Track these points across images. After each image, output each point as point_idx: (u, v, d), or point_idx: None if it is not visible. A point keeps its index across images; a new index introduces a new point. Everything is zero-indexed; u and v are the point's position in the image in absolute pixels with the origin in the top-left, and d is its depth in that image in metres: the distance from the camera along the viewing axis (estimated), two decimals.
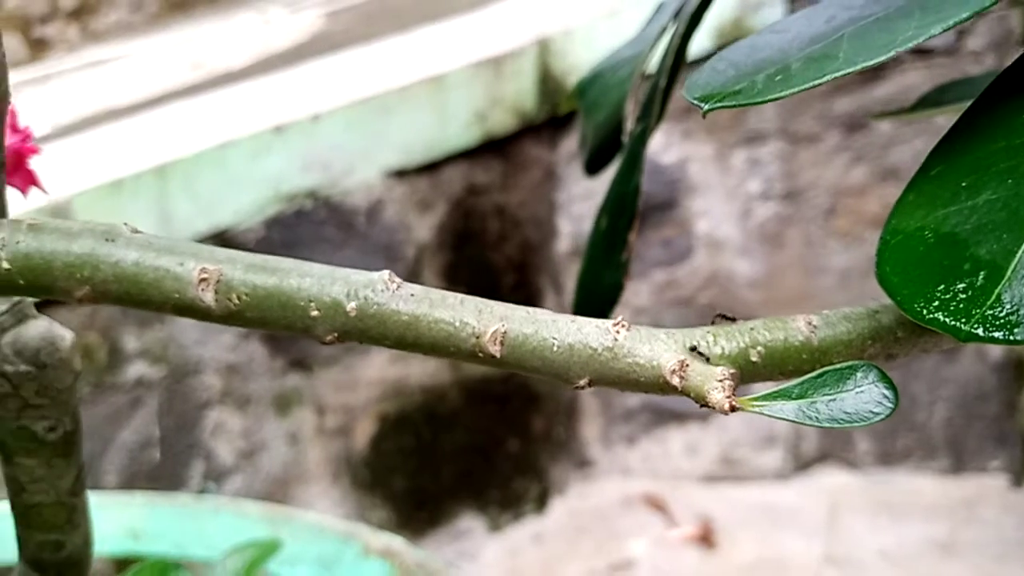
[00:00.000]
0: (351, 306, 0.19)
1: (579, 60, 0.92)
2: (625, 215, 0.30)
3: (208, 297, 0.18)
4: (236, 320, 0.19)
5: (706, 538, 0.94)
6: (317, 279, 0.20)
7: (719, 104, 0.17)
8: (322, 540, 0.58)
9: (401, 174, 0.87)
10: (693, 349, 0.20)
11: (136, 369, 0.77)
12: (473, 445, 0.94)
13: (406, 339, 0.20)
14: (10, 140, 0.35)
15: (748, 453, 1.01)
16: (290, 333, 0.19)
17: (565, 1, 0.99)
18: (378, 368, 0.88)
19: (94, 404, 0.76)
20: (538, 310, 0.20)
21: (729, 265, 0.99)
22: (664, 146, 0.91)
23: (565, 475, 0.99)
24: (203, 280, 0.18)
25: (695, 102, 0.17)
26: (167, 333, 0.78)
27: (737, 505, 0.98)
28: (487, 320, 0.19)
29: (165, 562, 0.33)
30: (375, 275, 0.20)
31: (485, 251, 0.93)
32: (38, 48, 1.81)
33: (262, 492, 0.85)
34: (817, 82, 0.17)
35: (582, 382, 0.20)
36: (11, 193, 0.37)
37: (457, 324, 0.19)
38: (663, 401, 1.00)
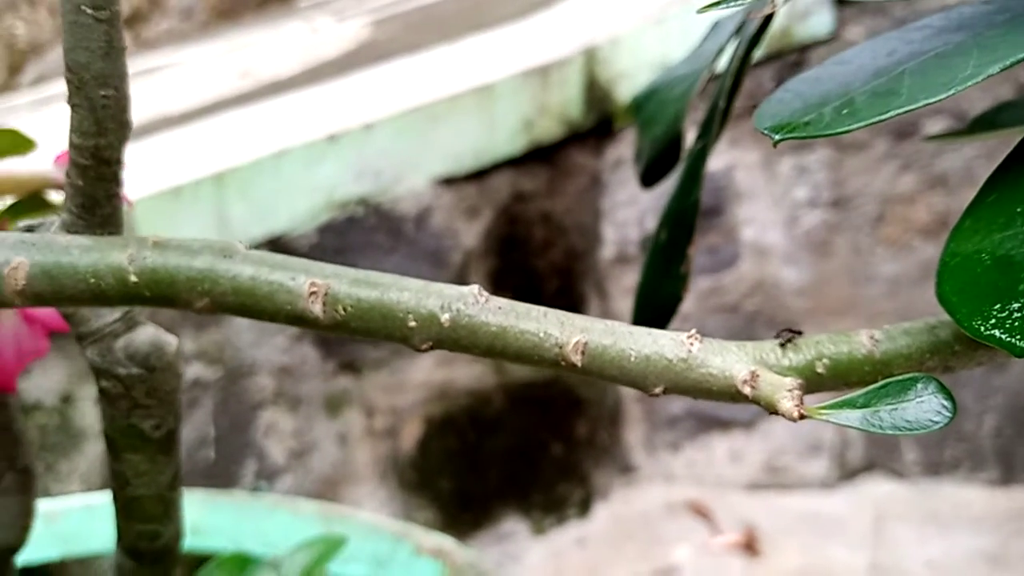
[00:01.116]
0: (445, 317, 0.21)
1: (625, 68, 0.93)
2: (684, 229, 0.31)
3: (317, 308, 0.20)
4: (341, 329, 0.20)
5: (750, 546, 0.94)
6: (414, 293, 0.21)
7: (790, 135, 0.18)
8: (375, 539, 0.59)
9: (449, 181, 0.89)
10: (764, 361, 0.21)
11: (193, 370, 0.80)
12: (517, 448, 0.95)
13: (494, 348, 0.21)
14: None
15: (793, 461, 1.01)
16: (389, 341, 0.21)
17: (611, 9, 1.00)
18: (425, 371, 0.90)
19: None
20: (616, 323, 0.21)
21: (775, 272, 0.99)
22: (711, 153, 0.91)
23: (608, 480, 1.00)
24: (312, 293, 0.20)
25: (767, 132, 0.18)
26: (223, 336, 0.81)
27: (782, 513, 0.97)
28: (569, 331, 0.20)
29: (243, 557, 0.34)
30: (466, 289, 0.21)
31: (530, 257, 0.95)
32: None
33: (312, 492, 0.87)
34: (882, 118, 0.18)
35: (658, 390, 0.21)
36: None
37: (542, 335, 0.21)
38: (707, 408, 1.00)
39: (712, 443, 1.01)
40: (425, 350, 0.21)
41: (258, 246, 0.84)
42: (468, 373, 0.92)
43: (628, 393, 1.01)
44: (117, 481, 0.26)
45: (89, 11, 0.19)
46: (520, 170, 0.92)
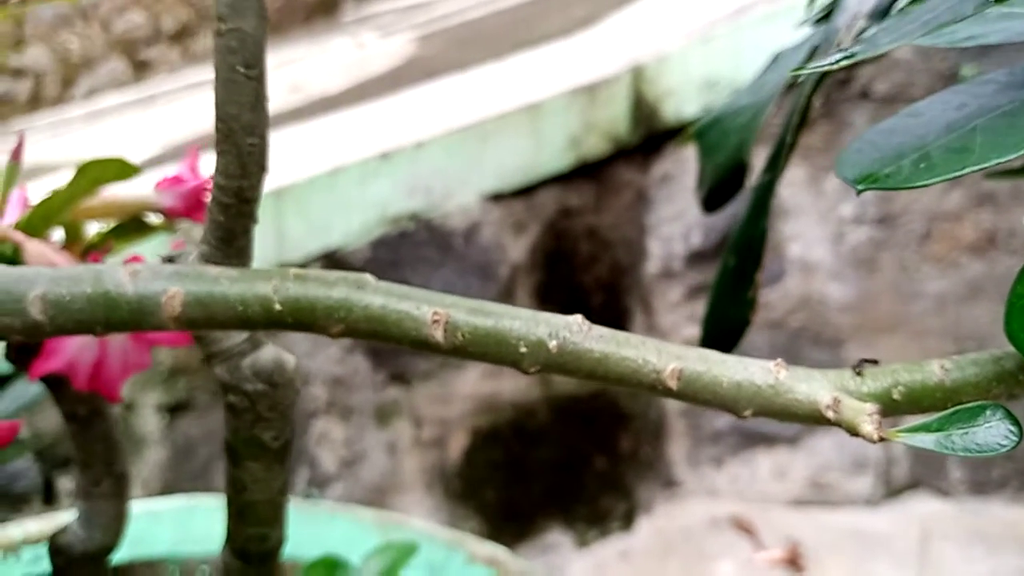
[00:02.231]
0: (552, 344, 0.23)
1: (672, 86, 0.94)
2: (752, 256, 0.33)
3: (439, 334, 0.22)
4: (459, 353, 0.23)
5: (794, 562, 0.94)
6: (524, 321, 0.23)
7: (872, 186, 0.20)
8: (430, 547, 0.61)
9: (497, 197, 0.91)
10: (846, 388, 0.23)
11: None
12: (561, 461, 0.97)
13: (596, 372, 0.23)
14: (193, 183, 0.40)
15: (838, 478, 1.01)
16: (501, 365, 0.23)
17: (658, 28, 1.02)
18: (472, 384, 0.92)
19: (211, 411, 0.82)
20: (708, 351, 0.23)
21: (821, 289, 0.99)
22: (757, 169, 0.92)
23: (652, 494, 1.00)
24: (435, 321, 0.22)
25: (850, 182, 0.20)
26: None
27: (826, 530, 0.97)
28: (666, 359, 0.22)
29: (333, 560, 0.36)
30: (571, 318, 0.23)
31: (576, 272, 0.96)
32: (142, 69, 1.93)
33: (361, 499, 0.89)
34: (957, 174, 0.19)
35: (747, 413, 0.23)
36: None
37: (641, 361, 0.23)
38: (751, 424, 1.00)
39: (756, 458, 1.01)
40: (533, 373, 0.23)
41: (313, 261, 0.87)
42: (514, 386, 0.93)
43: (671, 408, 1.02)
44: (234, 487, 0.28)
45: (242, 70, 0.22)
46: (567, 186, 0.94)
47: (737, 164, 0.40)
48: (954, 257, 0.99)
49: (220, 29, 0.22)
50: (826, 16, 0.35)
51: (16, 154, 0.40)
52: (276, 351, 0.26)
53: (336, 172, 0.85)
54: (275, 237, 0.82)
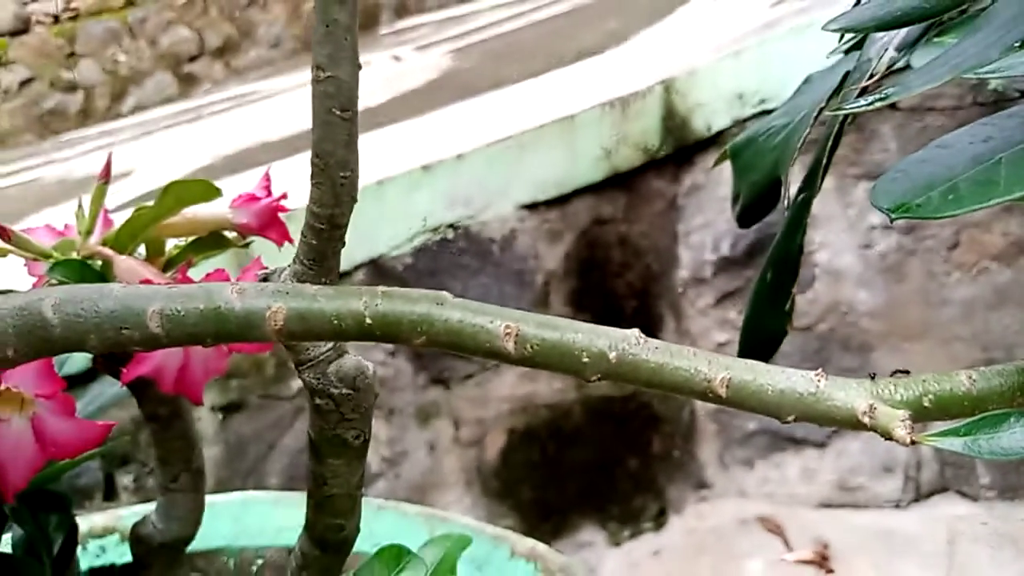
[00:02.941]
0: (612, 355, 0.25)
1: (703, 99, 0.97)
2: (789, 270, 0.35)
3: (510, 346, 0.25)
4: (527, 363, 0.25)
5: (823, 562, 0.95)
6: (587, 334, 0.26)
7: (905, 215, 0.22)
8: (474, 541, 0.64)
9: (533, 207, 0.94)
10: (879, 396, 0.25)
11: (299, 382, 0.86)
12: (595, 461, 0.99)
13: (652, 381, 0.26)
14: (265, 201, 0.43)
15: (866, 480, 1.02)
16: (564, 373, 0.25)
17: (689, 43, 1.04)
18: (509, 386, 0.95)
19: (262, 412, 0.85)
20: (754, 362, 0.25)
21: (849, 295, 1.00)
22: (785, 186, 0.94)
23: (683, 495, 1.02)
24: (507, 334, 0.24)
25: (885, 211, 0.22)
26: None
27: (854, 531, 0.98)
28: (716, 369, 0.25)
29: (400, 548, 0.39)
30: (629, 332, 0.26)
31: (608, 279, 0.99)
32: (187, 83, 2.00)
33: (403, 497, 0.92)
34: (983, 206, 0.21)
35: (790, 418, 0.26)
36: (264, 244, 0.45)
37: (693, 371, 0.25)
38: (781, 427, 1.02)
39: (785, 461, 1.02)
40: (594, 381, 0.26)
41: (359, 267, 0.90)
42: (549, 389, 0.96)
43: (702, 410, 1.04)
44: (315, 481, 0.31)
45: (337, 113, 0.25)
46: (599, 196, 0.96)
47: (772, 182, 0.42)
48: (982, 264, 0.99)
49: (319, 76, 0.25)
50: (857, 45, 0.37)
51: (104, 174, 0.43)
52: (357, 359, 0.29)
53: (382, 184, 0.88)
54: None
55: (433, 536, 0.60)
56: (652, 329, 1.01)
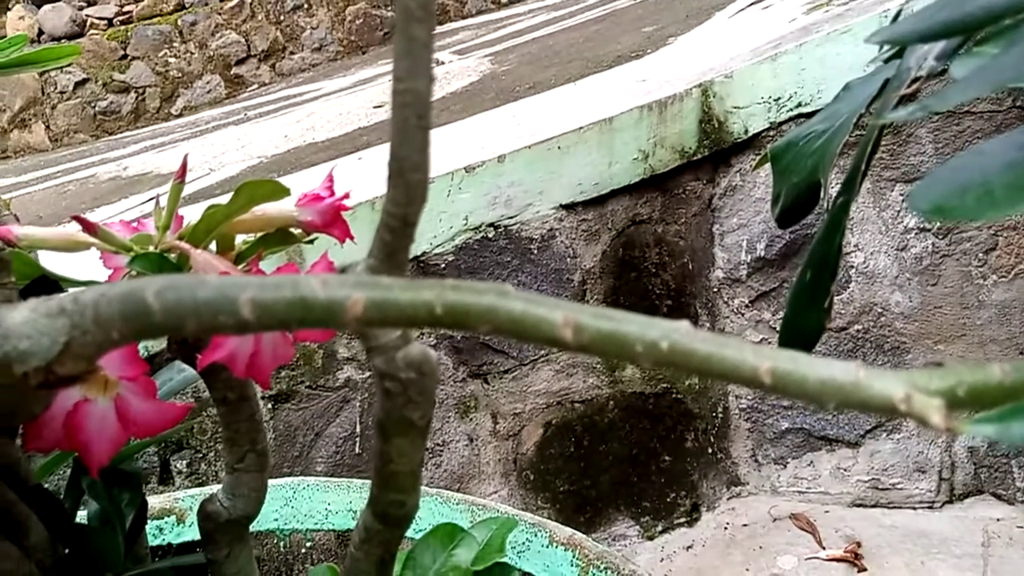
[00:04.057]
0: (664, 344, 0.27)
1: (740, 102, 0.98)
2: (827, 270, 0.37)
3: (568, 334, 0.27)
4: (585, 350, 0.27)
5: (856, 561, 0.96)
6: (640, 325, 0.28)
7: (941, 218, 0.24)
8: (515, 528, 0.66)
9: (571, 207, 0.96)
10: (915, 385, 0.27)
11: (345, 373, 0.89)
12: (629, 456, 1.00)
13: (702, 368, 0.27)
14: (329, 200, 0.46)
15: (899, 480, 1.02)
16: (620, 360, 0.28)
17: (726, 47, 1.05)
18: (545, 381, 0.97)
19: (310, 401, 0.88)
20: (797, 352, 0.27)
21: (884, 297, 1.01)
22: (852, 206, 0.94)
23: (716, 491, 1.04)
24: (566, 324, 0.27)
25: (923, 214, 0.24)
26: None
27: (887, 530, 0.99)
28: (761, 358, 0.27)
29: (453, 526, 0.41)
30: (680, 323, 0.28)
31: (644, 278, 1.00)
32: (234, 85, 2.05)
33: (442, 486, 0.95)
34: (1017, 210, 0.23)
35: (831, 406, 0.28)
36: (327, 241, 0.48)
37: (740, 359, 0.27)
38: (814, 425, 1.03)
39: (818, 459, 1.03)
40: (648, 367, 0.28)
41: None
42: (584, 384, 0.98)
43: (735, 408, 1.05)
44: (381, 459, 0.34)
45: (413, 121, 0.27)
46: (636, 197, 0.98)
47: (811, 185, 0.44)
48: (1020, 268, 0.99)
49: (398, 87, 0.27)
50: (898, 53, 0.39)
51: (180, 174, 0.46)
52: (422, 346, 0.31)
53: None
54: (371, 243, 0.88)
55: (475, 521, 0.62)
56: None
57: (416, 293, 0.29)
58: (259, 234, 0.46)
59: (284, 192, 0.43)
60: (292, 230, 0.46)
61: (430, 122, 0.29)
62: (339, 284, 0.29)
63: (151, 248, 0.44)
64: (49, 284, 0.43)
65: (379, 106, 1.28)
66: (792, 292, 0.39)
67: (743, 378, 0.28)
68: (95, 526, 0.48)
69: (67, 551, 0.42)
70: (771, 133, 0.97)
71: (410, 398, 0.31)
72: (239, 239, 0.47)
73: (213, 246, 0.46)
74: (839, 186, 0.38)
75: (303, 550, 0.70)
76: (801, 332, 0.38)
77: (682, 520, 1.03)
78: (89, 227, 0.43)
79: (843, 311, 1.01)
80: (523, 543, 0.66)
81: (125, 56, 1.83)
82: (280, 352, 0.43)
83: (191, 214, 0.47)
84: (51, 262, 0.46)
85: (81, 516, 0.49)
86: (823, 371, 0.28)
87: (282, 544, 0.71)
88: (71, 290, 0.43)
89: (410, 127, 0.28)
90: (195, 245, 0.44)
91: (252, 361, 0.41)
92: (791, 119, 0.96)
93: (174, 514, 0.66)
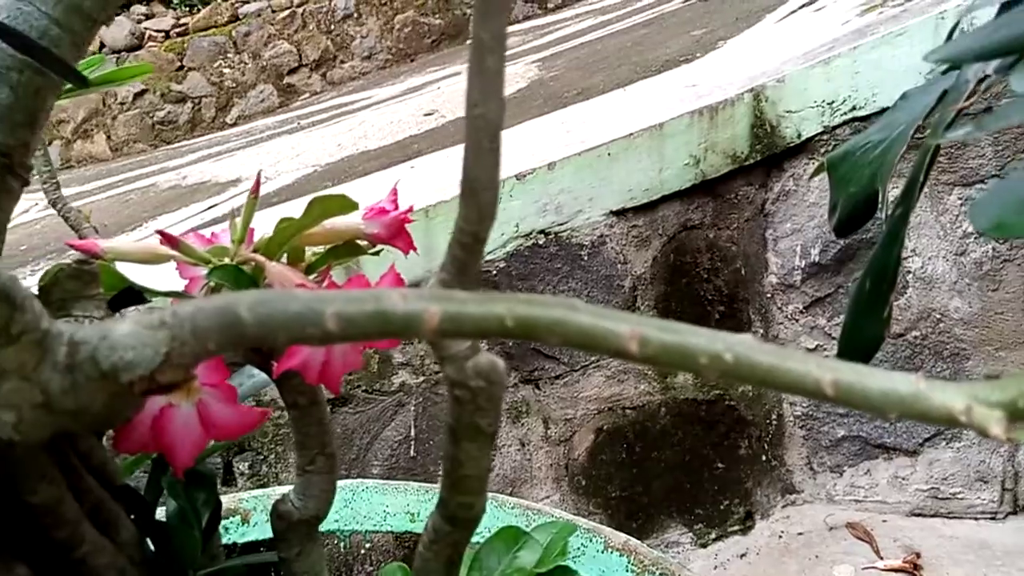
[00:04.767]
0: (728, 356, 0.28)
1: (792, 106, 0.97)
2: (887, 280, 0.37)
3: (634, 347, 0.28)
4: (651, 362, 0.29)
5: (914, 571, 0.94)
6: (705, 337, 0.29)
7: (1001, 234, 0.24)
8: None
9: (621, 213, 0.96)
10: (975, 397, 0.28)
11: (400, 377, 0.91)
12: (681, 463, 1.00)
13: (766, 380, 0.28)
14: (393, 214, 0.48)
15: (959, 490, 1.00)
16: (685, 371, 0.29)
17: (778, 50, 1.04)
18: (596, 387, 0.97)
19: (366, 405, 0.91)
20: (860, 365, 0.28)
21: (943, 302, 0.99)
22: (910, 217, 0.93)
23: (770, 499, 1.03)
24: (632, 337, 0.28)
25: (984, 231, 0.24)
26: (425, 349, 0.92)
27: (947, 541, 0.97)
28: (824, 370, 0.28)
29: (517, 529, 0.42)
30: (744, 336, 0.29)
31: (696, 284, 1.00)
32: (287, 94, 2.11)
33: (495, 491, 0.96)
34: None
35: (892, 416, 0.28)
36: (394, 253, 0.50)
37: (803, 372, 0.28)
38: (871, 433, 1.01)
39: (875, 468, 1.02)
40: (712, 380, 0.29)
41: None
42: (636, 390, 0.98)
43: (790, 415, 1.04)
44: (451, 464, 0.35)
45: (486, 143, 0.29)
46: (688, 202, 0.98)
47: (869, 195, 0.44)
48: None
49: (472, 113, 0.29)
50: (955, 66, 0.39)
51: (254, 189, 0.48)
52: (490, 356, 0.33)
53: None
54: (424, 251, 0.90)
55: (530, 525, 0.63)
56: (739, 332, 1.01)
57: (488, 306, 0.30)
58: (328, 246, 0.48)
59: (352, 207, 0.45)
60: (358, 242, 0.48)
61: (500, 145, 0.31)
62: (417, 298, 0.30)
63: (227, 260, 0.46)
64: (135, 295, 0.46)
65: (429, 114, 1.30)
66: (851, 301, 0.40)
67: (806, 390, 0.29)
68: (174, 524, 0.51)
69: (153, 548, 0.44)
70: (825, 137, 0.96)
71: (479, 405, 0.33)
72: (308, 251, 0.49)
73: (284, 258, 0.48)
74: (897, 196, 0.39)
75: (362, 551, 0.72)
76: (861, 341, 0.38)
77: (736, 528, 1.02)
78: (171, 241, 0.45)
79: (900, 317, 1.00)
80: (578, 548, 0.67)
81: (182, 67, 1.89)
82: (349, 359, 0.44)
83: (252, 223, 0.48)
84: (128, 272, 0.48)
85: (159, 514, 0.51)
86: (884, 382, 0.28)
87: (342, 545, 0.72)
88: (154, 300, 0.46)
89: (483, 150, 0.29)
90: (269, 257, 0.46)
91: (324, 368, 0.43)
92: (845, 123, 0.96)
93: (239, 514, 0.68)
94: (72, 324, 0.30)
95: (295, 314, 0.30)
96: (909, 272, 1.00)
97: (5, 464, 0.33)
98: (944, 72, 0.40)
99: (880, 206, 0.42)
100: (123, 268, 0.48)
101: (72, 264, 0.38)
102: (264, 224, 0.47)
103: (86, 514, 0.38)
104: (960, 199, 0.99)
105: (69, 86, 0.48)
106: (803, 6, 1.24)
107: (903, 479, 1.02)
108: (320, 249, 0.49)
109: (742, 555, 0.99)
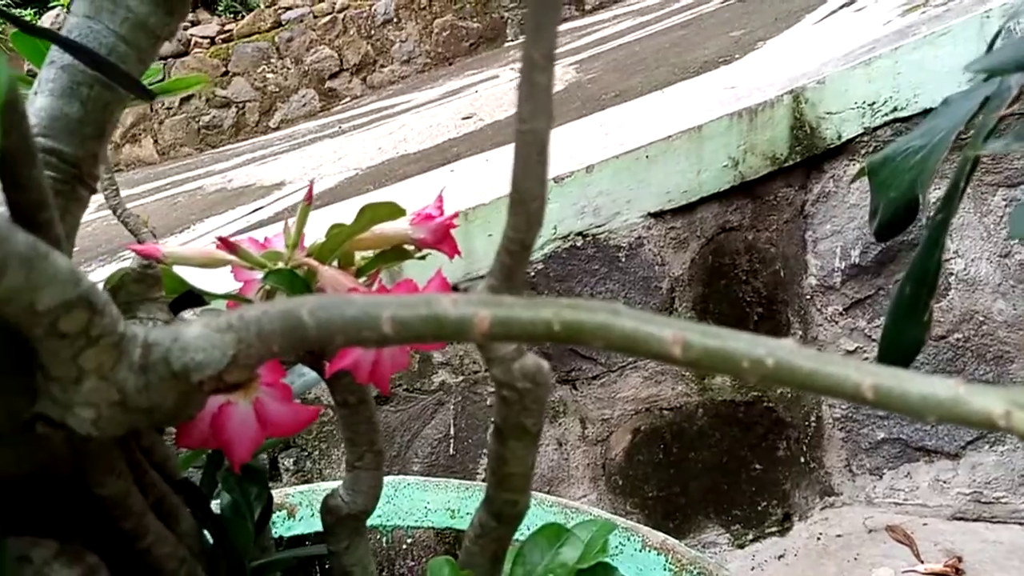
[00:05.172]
0: (770, 361, 0.29)
1: (833, 108, 0.97)
2: (927, 284, 0.38)
3: (677, 351, 0.29)
4: (693, 365, 0.30)
5: None
6: (747, 342, 0.30)
7: None
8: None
9: (659, 215, 0.97)
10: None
11: (440, 377, 0.93)
12: (719, 464, 1.01)
13: (806, 384, 0.29)
14: (440, 219, 0.49)
15: (1003, 494, 0.99)
16: (726, 375, 0.30)
17: (818, 51, 1.04)
18: (633, 387, 0.98)
19: (407, 404, 0.93)
20: (899, 370, 0.29)
21: (986, 305, 0.98)
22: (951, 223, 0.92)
23: (808, 501, 1.02)
24: (675, 341, 0.29)
25: (1022, 239, 0.25)
26: (464, 349, 0.94)
27: (991, 546, 0.95)
28: (864, 375, 0.28)
29: (559, 526, 0.44)
30: (784, 341, 0.30)
31: (734, 285, 1.00)
32: (328, 99, 2.14)
33: (532, 490, 0.97)
34: None
35: (932, 419, 0.29)
36: (439, 257, 0.51)
37: (843, 376, 0.29)
38: (911, 436, 1.00)
39: (916, 470, 1.01)
40: (753, 383, 0.30)
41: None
42: (673, 391, 0.99)
43: (828, 417, 1.04)
44: (497, 461, 0.36)
45: (535, 156, 0.30)
46: (726, 204, 0.98)
47: (909, 200, 0.44)
48: None
49: (521, 128, 0.30)
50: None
51: (308, 197, 0.50)
52: (536, 358, 0.34)
53: None
54: (463, 253, 0.92)
55: (568, 523, 0.64)
56: (778, 335, 1.01)
57: (536, 311, 0.32)
58: (376, 251, 0.49)
59: (400, 213, 0.47)
60: (406, 246, 0.49)
61: (548, 158, 0.32)
62: (467, 303, 0.32)
63: (282, 265, 0.48)
64: (194, 298, 0.48)
65: (467, 117, 1.32)
66: (891, 305, 0.40)
67: (846, 394, 0.30)
68: (228, 516, 0.53)
69: (211, 540, 0.46)
70: (865, 138, 0.96)
71: (525, 406, 0.34)
72: (357, 255, 0.51)
73: (335, 262, 0.50)
74: (939, 201, 0.39)
75: (404, 546, 0.74)
76: (901, 345, 0.39)
77: (773, 529, 1.02)
78: (229, 245, 0.47)
79: (942, 319, 0.99)
80: (616, 547, 0.67)
81: (226, 72, 1.94)
82: (398, 360, 0.46)
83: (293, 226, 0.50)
84: (186, 275, 0.50)
85: (213, 507, 0.53)
86: (924, 387, 0.29)
87: (384, 540, 0.74)
88: (212, 303, 0.48)
89: (531, 163, 0.31)
90: (321, 262, 0.48)
91: (374, 368, 0.44)
92: (886, 124, 0.95)
93: (285, 509, 0.70)
94: (145, 327, 0.32)
95: (352, 318, 0.32)
96: (952, 274, 0.98)
97: (79, 459, 0.35)
98: (987, 78, 0.40)
99: (921, 211, 0.42)
100: (181, 271, 0.50)
101: (136, 268, 0.40)
102: (309, 226, 0.49)
103: (150, 506, 0.41)
104: (1004, 200, 0.97)
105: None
106: (843, 6, 1.23)
107: (944, 482, 1.01)
108: (368, 253, 0.51)
109: (780, 556, 0.99)
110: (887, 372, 0.29)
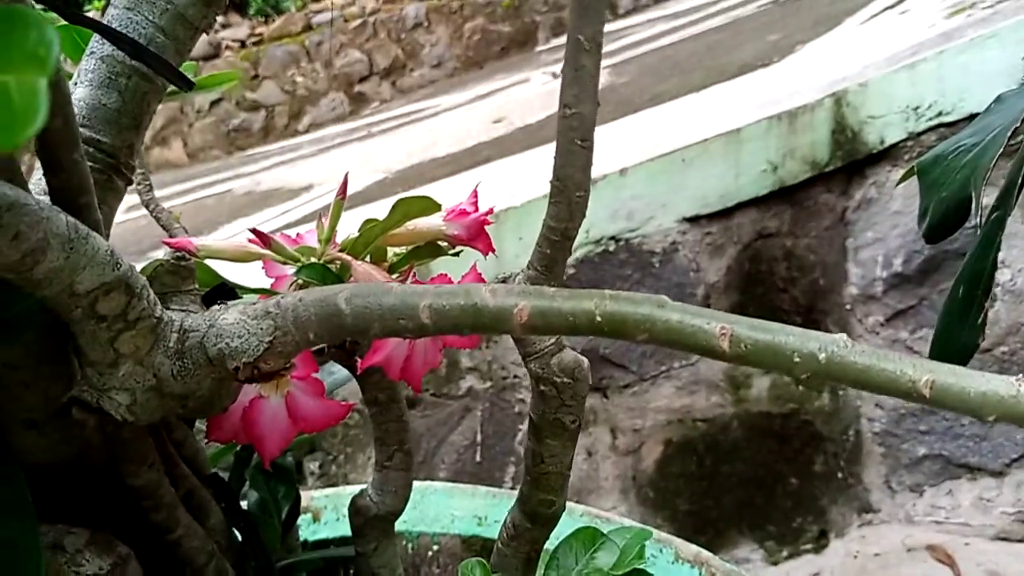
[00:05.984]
0: (822, 356, 0.28)
1: (875, 111, 0.95)
2: (981, 286, 0.36)
3: (724, 344, 0.28)
4: (740, 360, 0.28)
5: None
6: (798, 337, 0.28)
7: None
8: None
9: (695, 220, 0.95)
10: None
11: (467, 382, 0.92)
12: (753, 478, 0.98)
13: (859, 380, 0.28)
14: (474, 216, 0.48)
15: None
16: (775, 371, 0.28)
17: (860, 54, 1.02)
18: (666, 397, 0.96)
19: (434, 409, 0.92)
20: (959, 367, 0.27)
21: None
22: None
23: (846, 518, 1.00)
24: (722, 334, 0.28)
25: None
26: (492, 354, 0.93)
27: None
28: (920, 372, 0.27)
29: (595, 530, 0.42)
30: (837, 336, 0.28)
31: (772, 294, 0.98)
32: (357, 102, 2.16)
33: None
34: None
35: (991, 418, 0.28)
36: (473, 254, 0.50)
37: (898, 372, 0.27)
38: (954, 452, 0.97)
39: (958, 488, 0.97)
40: (803, 380, 0.29)
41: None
42: (707, 401, 0.97)
43: (868, 432, 1.01)
44: (533, 460, 0.35)
45: (579, 143, 0.29)
46: (764, 209, 0.96)
47: (960, 200, 0.43)
48: None
49: (565, 112, 0.29)
50: None
51: (341, 191, 0.50)
52: (575, 353, 0.33)
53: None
54: (493, 255, 0.91)
55: (625, 525, 0.62)
56: None
57: (577, 302, 0.31)
58: (410, 247, 0.49)
59: (436, 208, 0.46)
60: (439, 243, 0.48)
61: (593, 144, 0.31)
62: (506, 293, 0.31)
63: (315, 259, 0.48)
64: (227, 291, 0.48)
65: (497, 121, 1.32)
66: (944, 308, 0.39)
67: (901, 391, 0.28)
68: (256, 514, 0.53)
69: (240, 537, 0.46)
70: (909, 143, 0.93)
71: (563, 402, 0.33)
72: (390, 251, 0.51)
73: (367, 258, 0.49)
74: (993, 200, 0.37)
75: (430, 553, 0.73)
76: (953, 349, 0.37)
77: (809, 546, 0.99)
78: (264, 239, 0.47)
79: (988, 331, 0.96)
80: (648, 558, 0.66)
81: (256, 76, 1.96)
82: (430, 357, 0.45)
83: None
84: (219, 269, 0.50)
85: (241, 505, 0.53)
86: (983, 384, 0.27)
87: (410, 546, 0.73)
88: (244, 297, 0.48)
89: (575, 149, 0.30)
90: (354, 257, 0.47)
91: (406, 364, 0.44)
92: (931, 129, 0.93)
93: (310, 512, 0.69)
94: (181, 313, 0.31)
95: (390, 307, 0.31)
96: (998, 285, 0.96)
97: (113, 447, 0.35)
98: None
99: (974, 211, 0.41)
100: (214, 265, 0.50)
101: (170, 260, 0.40)
102: (339, 227, 0.49)
103: (180, 499, 0.40)
104: None
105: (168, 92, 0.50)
106: (887, 8, 1.20)
107: (988, 501, 0.98)
108: (401, 250, 0.50)
109: (815, 575, 0.96)
110: (945, 368, 0.28)
